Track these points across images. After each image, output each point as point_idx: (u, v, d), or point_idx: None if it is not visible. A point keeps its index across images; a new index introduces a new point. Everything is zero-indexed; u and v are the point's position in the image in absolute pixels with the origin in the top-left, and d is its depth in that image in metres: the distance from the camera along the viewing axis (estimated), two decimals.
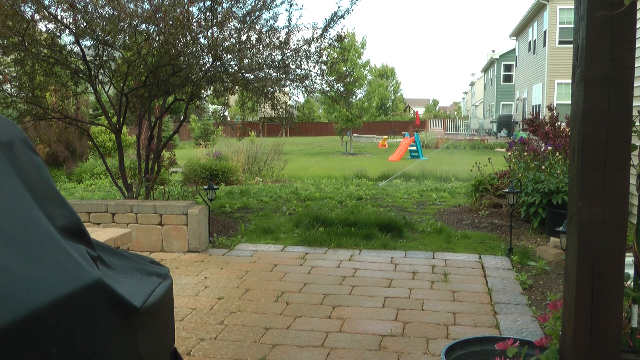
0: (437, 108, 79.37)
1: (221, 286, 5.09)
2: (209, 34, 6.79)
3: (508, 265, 5.73)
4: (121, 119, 7.52)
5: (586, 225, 1.85)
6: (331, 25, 7.63)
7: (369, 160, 21.69)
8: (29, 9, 6.37)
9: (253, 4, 7.23)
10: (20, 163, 1.61)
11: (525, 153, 8.17)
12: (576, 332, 1.88)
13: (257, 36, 7.37)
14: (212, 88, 7.91)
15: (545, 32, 24.63)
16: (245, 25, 7.23)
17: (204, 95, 8.66)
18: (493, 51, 44.40)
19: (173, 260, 5.99)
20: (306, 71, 7.88)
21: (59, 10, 6.42)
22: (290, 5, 7.52)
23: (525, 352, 2.32)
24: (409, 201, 9.73)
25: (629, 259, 2.11)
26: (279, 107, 8.57)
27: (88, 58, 6.98)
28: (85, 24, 6.33)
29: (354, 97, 20.50)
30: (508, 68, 41.68)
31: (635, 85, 3.70)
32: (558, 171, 7.08)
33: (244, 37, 7.26)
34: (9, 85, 7.48)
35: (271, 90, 8.03)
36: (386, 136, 35.14)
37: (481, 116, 47.30)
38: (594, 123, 1.82)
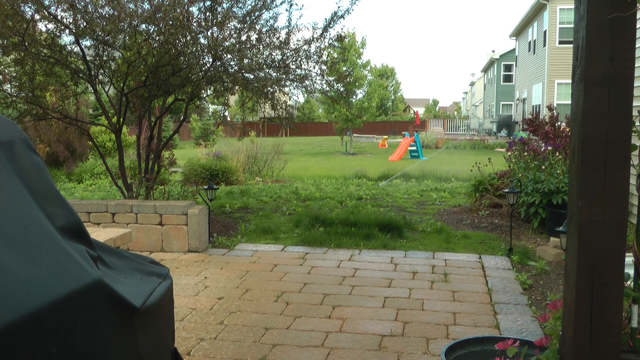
0: (437, 108, 79.36)
1: (221, 286, 5.09)
2: (209, 34, 6.79)
3: (508, 265, 5.73)
4: (121, 119, 7.52)
5: (586, 225, 1.85)
6: (331, 25, 7.64)
7: (369, 160, 21.69)
8: (29, 9, 6.37)
9: (253, 4, 7.23)
10: (20, 163, 1.61)
11: (525, 153, 8.17)
12: (576, 332, 1.88)
13: (257, 36, 7.38)
14: (212, 88, 7.91)
15: (545, 32, 24.63)
16: (245, 25, 7.23)
17: (204, 95, 8.66)
18: (493, 51, 44.41)
19: (173, 260, 5.99)
20: (306, 71, 7.88)
21: (59, 10, 6.42)
22: (290, 5, 7.53)
23: (525, 352, 2.32)
24: (409, 201, 9.73)
25: (629, 259, 2.11)
26: (279, 107, 8.57)
27: (88, 58, 6.98)
28: (85, 24, 6.33)
29: (354, 97, 20.51)
30: (508, 68, 41.68)
31: (635, 85, 3.69)
32: (558, 171, 7.08)
33: (244, 37, 7.26)
34: (9, 85, 7.48)
35: (271, 90, 8.03)
36: (386, 136, 35.14)
37: (481, 116, 47.30)
38: (594, 123, 1.82)
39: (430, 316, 4.31)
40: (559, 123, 8.79)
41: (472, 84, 67.55)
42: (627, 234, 2.22)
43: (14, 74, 7.20)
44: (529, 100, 28.96)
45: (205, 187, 7.06)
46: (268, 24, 7.62)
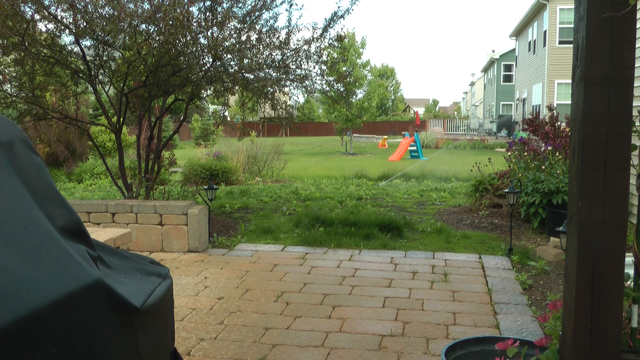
0: (437, 108, 79.34)
1: (221, 286, 5.09)
2: (209, 34, 6.79)
3: (508, 265, 5.73)
4: (121, 119, 7.52)
5: (586, 225, 1.85)
6: (331, 25, 7.63)
7: (369, 160, 21.69)
8: (29, 9, 6.38)
9: (253, 4, 7.23)
10: (20, 163, 1.61)
11: (525, 153, 8.17)
12: (576, 332, 1.88)
13: (257, 36, 7.37)
14: (212, 88, 7.91)
15: (545, 32, 24.63)
16: (245, 25, 7.23)
17: (204, 95, 8.67)
18: (493, 51, 44.40)
19: (173, 260, 5.99)
20: (306, 71, 7.88)
21: (59, 10, 6.42)
22: (290, 5, 7.53)
23: (525, 352, 2.32)
24: (409, 201, 9.73)
25: (629, 259, 2.11)
26: (279, 107, 8.57)
27: (88, 58, 6.98)
28: (85, 24, 6.33)
29: (354, 97, 20.49)
30: (508, 68, 41.67)
31: (635, 85, 3.69)
32: (558, 171, 7.08)
33: (244, 37, 7.26)
34: (9, 85, 7.48)
35: (271, 90, 8.03)
36: (386, 136, 35.14)
37: (481, 116, 47.29)
38: (594, 123, 1.82)
39: (430, 316, 4.31)
40: (559, 123, 8.79)
41: (472, 84, 67.56)
42: (627, 234, 2.22)
43: (14, 74, 7.20)
44: (529, 100, 28.96)
45: (205, 187, 7.06)
46: (268, 24, 7.63)
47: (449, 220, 7.95)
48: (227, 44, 6.97)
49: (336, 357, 3.62)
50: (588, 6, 1.80)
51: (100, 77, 7.51)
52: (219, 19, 6.72)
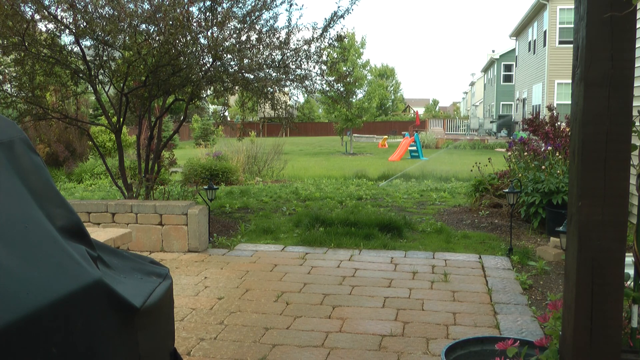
0: (437, 108, 79.30)
1: (221, 286, 5.09)
2: (209, 34, 6.79)
3: (508, 265, 5.73)
4: (121, 119, 7.52)
5: (586, 225, 1.85)
6: (331, 25, 7.63)
7: (369, 160, 21.69)
8: (29, 9, 6.38)
9: (253, 4, 7.22)
10: (20, 163, 1.61)
11: (525, 153, 8.17)
12: (576, 332, 1.88)
13: (257, 36, 7.37)
14: (212, 88, 7.91)
15: (545, 32, 24.63)
16: (245, 26, 7.23)
17: (204, 95, 8.66)
18: (493, 51, 44.39)
19: (173, 260, 5.99)
20: (306, 71, 7.88)
21: (59, 10, 6.42)
22: (290, 5, 7.53)
23: (525, 352, 2.32)
24: (409, 201, 9.73)
25: (629, 259, 2.11)
26: (279, 107, 8.57)
27: (88, 58, 6.98)
28: (85, 24, 6.33)
29: (354, 97, 20.51)
30: (508, 68, 41.67)
31: (635, 85, 3.70)
32: (558, 171, 7.08)
33: (244, 37, 7.26)
34: (9, 85, 7.47)
35: (271, 90, 8.03)
36: (386, 136, 35.14)
37: (481, 116, 47.27)
38: (594, 123, 1.82)
39: (430, 316, 4.31)
40: (559, 123, 8.79)
41: (472, 84, 67.55)
42: (627, 234, 2.22)
43: (14, 74, 7.20)
44: (529, 100, 28.95)
45: (205, 187, 7.06)
46: (268, 24, 7.63)
47: (449, 220, 7.95)
48: (227, 44, 6.97)
49: (336, 357, 3.62)
50: (588, 6, 1.80)
51: (100, 77, 7.51)
52: (219, 19, 6.72)
